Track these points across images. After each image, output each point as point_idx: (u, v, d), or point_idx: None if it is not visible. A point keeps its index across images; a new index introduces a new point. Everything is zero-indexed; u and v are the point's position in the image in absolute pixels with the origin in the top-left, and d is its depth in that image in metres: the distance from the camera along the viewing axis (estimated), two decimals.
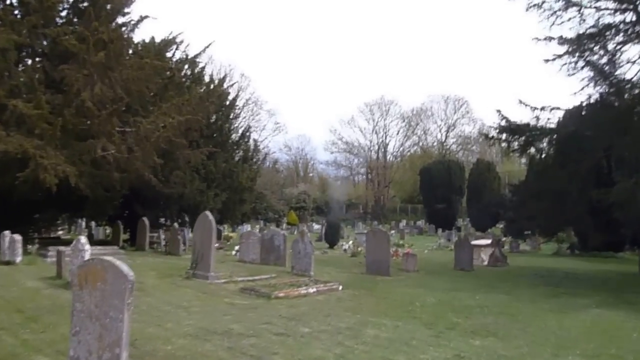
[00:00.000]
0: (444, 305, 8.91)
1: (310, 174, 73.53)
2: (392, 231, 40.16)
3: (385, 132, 63.17)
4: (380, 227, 12.88)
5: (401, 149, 64.54)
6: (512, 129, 13.35)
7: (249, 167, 26.26)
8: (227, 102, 26.08)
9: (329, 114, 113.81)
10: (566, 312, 8.75)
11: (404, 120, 63.22)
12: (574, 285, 12.55)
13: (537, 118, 13.53)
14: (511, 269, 16.06)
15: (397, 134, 63.64)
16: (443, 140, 63.91)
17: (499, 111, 14.17)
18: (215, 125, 25.16)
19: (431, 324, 7.05)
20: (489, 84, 69.15)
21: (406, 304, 8.83)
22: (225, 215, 26.08)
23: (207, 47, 22.96)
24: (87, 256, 8.27)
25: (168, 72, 18.35)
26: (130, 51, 17.36)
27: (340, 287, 10.40)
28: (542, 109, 13.50)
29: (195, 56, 22.22)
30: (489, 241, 18.98)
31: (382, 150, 63.63)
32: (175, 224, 19.01)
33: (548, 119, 13.59)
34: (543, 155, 13.66)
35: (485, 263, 17.74)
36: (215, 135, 25.15)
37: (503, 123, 13.98)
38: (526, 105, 13.64)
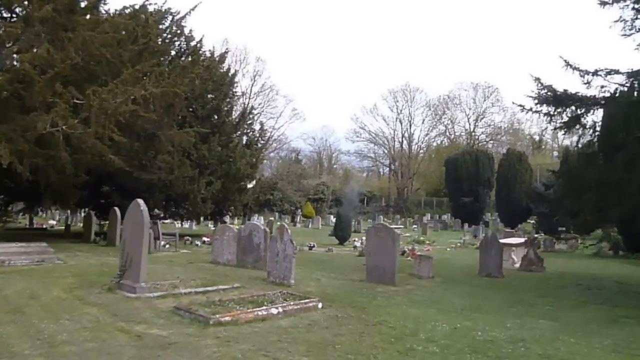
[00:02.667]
0: (460, 338, 6.19)
1: (335, 166, 71.02)
2: (414, 226, 37.23)
3: (410, 121, 59.87)
4: (385, 223, 10.09)
5: (426, 138, 61.11)
6: (556, 99, 10.34)
7: (252, 152, 23.68)
8: (227, 80, 23.55)
9: (354, 104, 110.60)
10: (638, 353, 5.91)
11: (430, 109, 59.73)
12: (636, 303, 9.58)
13: (589, 84, 10.49)
14: (549, 276, 13.10)
15: (423, 122, 60.23)
16: (471, 130, 60.18)
17: (537, 79, 11.18)
18: (211, 105, 22.73)
19: None
20: (521, 69, 64.58)
21: (405, 336, 6.15)
22: (222, 206, 23.66)
23: (193, 9, 20.37)
24: None
25: (146, 39, 15.84)
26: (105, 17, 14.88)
27: (320, 305, 7.75)
28: (596, 73, 10.45)
29: (181, 19, 19.74)
30: (521, 240, 15.98)
31: (407, 140, 60.35)
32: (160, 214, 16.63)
33: (602, 87, 10.53)
34: (596, 133, 10.56)
35: (517, 266, 14.81)
36: (212, 116, 22.73)
37: (544, 93, 10.97)
38: (574, 68, 10.61)
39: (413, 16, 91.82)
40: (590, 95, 10.19)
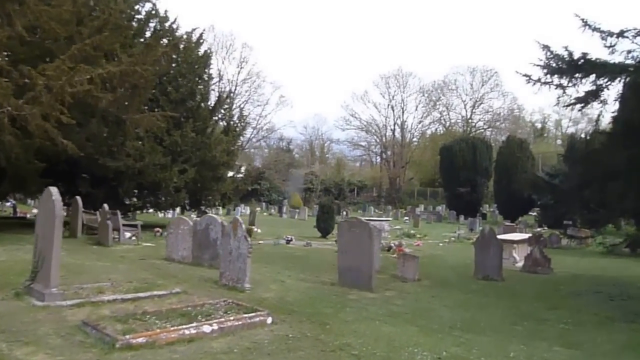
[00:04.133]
0: None
1: (327, 155, 69.08)
2: (406, 218, 35.37)
3: (403, 108, 57.61)
4: (357, 216, 8.16)
5: (420, 126, 58.88)
6: (572, 66, 8.37)
7: (229, 139, 21.70)
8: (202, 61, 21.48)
9: (346, 91, 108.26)
10: None
11: (423, 95, 57.49)
12: None
13: (612, 48, 8.52)
14: (558, 279, 11.23)
15: (416, 109, 57.94)
16: (468, 116, 58.01)
17: (546, 47, 9.18)
18: (186, 88, 20.73)
19: None
20: (523, 49, 61.58)
21: None
22: (199, 195, 21.74)
23: None
24: None
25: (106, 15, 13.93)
26: None
27: (270, 320, 5.90)
28: (622, 34, 8.46)
29: None
30: (524, 236, 14.12)
31: (399, 127, 58.19)
32: (106, 205, 14.65)
33: (629, 52, 8.56)
34: (614, 109, 8.61)
35: (519, 265, 12.97)
36: (187, 100, 20.74)
37: (554, 63, 9.01)
38: (594, 29, 8.62)
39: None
40: (618, 62, 8.20)
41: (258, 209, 42.80)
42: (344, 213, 34.42)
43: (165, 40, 18.94)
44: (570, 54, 8.53)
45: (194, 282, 8.08)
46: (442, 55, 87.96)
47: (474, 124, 57.41)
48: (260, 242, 16.08)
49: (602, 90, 8.34)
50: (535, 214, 36.56)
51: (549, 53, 9.23)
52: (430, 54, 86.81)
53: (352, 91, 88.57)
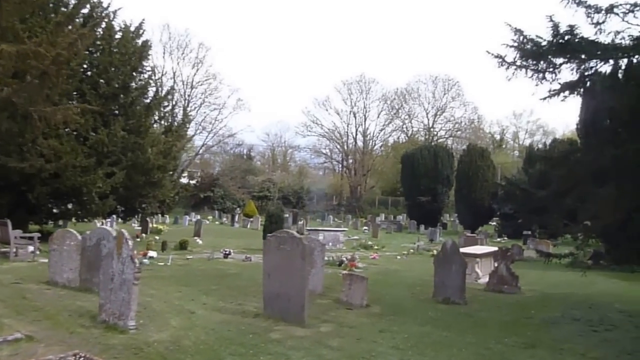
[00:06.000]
0: None
1: (290, 163, 67.13)
2: (365, 227, 33.82)
3: (365, 115, 56.40)
4: (292, 231, 6.29)
5: (382, 133, 57.76)
6: (553, 47, 6.84)
7: (166, 139, 19.51)
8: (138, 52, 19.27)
9: (307, 98, 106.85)
10: None
11: (385, 102, 56.51)
12: None
13: (599, 27, 7.07)
14: (527, 300, 9.74)
15: (378, 117, 56.88)
16: (430, 125, 57.40)
17: (519, 31, 7.65)
18: (118, 82, 18.50)
19: None
20: (484, 66, 62.53)
21: None
22: (130, 203, 19.42)
23: None
24: None
25: None
26: None
27: None
28: (611, 10, 7.00)
29: None
30: (488, 249, 12.65)
31: (361, 134, 56.89)
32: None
33: (617, 32, 7.11)
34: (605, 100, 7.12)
35: (482, 281, 11.46)
36: (119, 96, 18.50)
37: (530, 46, 7.48)
38: (579, 3, 7.14)
39: (368, 5, 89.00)
40: (607, 43, 6.72)
41: (210, 217, 40.38)
42: (300, 222, 32.53)
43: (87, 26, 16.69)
44: (556, 26, 7.00)
45: (60, 318, 6.00)
46: (405, 63, 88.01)
47: (435, 133, 56.86)
48: (188, 257, 14.01)
49: (589, 77, 6.83)
50: (495, 223, 35.81)
51: (521, 38, 7.72)
52: (393, 62, 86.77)
53: (314, 97, 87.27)
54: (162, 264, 12.36)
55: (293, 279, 6.65)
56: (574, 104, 68.69)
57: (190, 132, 49.13)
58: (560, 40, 6.54)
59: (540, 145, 41.39)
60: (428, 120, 57.34)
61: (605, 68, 6.67)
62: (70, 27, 14.01)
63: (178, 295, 8.10)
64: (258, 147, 62.43)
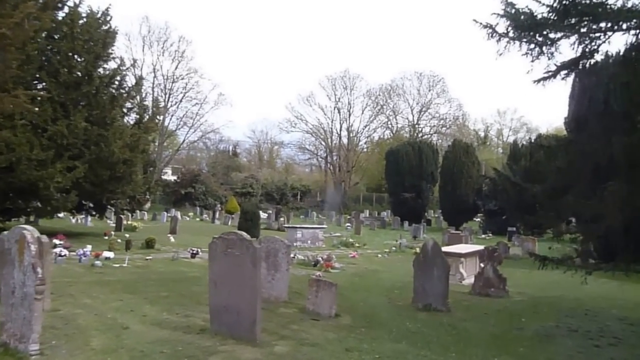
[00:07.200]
0: None
1: (276, 160, 65.93)
2: (348, 224, 32.84)
3: (349, 110, 55.32)
4: (241, 232, 5.34)
5: (366, 129, 56.73)
6: (553, 15, 5.84)
7: (133, 132, 18.25)
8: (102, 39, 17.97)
9: (291, 93, 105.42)
10: None
11: (370, 98, 55.49)
12: None
13: None
14: (516, 306, 8.81)
15: (362, 113, 55.84)
16: (415, 121, 56.57)
17: (510, 4, 6.65)
18: (81, 69, 17.23)
19: None
20: (470, 64, 61.94)
21: None
22: (96, 198, 18.16)
23: None
24: None
25: None
26: None
27: None
28: None
29: None
30: (473, 248, 11.72)
31: (346, 130, 55.82)
32: None
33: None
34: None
35: (467, 283, 10.55)
36: (81, 85, 17.19)
37: (524, 18, 6.47)
38: None
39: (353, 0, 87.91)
40: (620, 6, 5.71)
41: (191, 213, 39.05)
42: (282, 219, 31.45)
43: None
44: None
45: None
46: (390, 60, 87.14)
47: (420, 129, 56.05)
48: (149, 257, 12.84)
49: (596, 50, 5.84)
50: (479, 220, 35.13)
51: (512, 11, 6.71)
52: (378, 58, 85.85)
53: (297, 92, 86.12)
54: (117, 265, 11.22)
55: (243, 288, 5.58)
56: (560, 99, 68.55)
57: (171, 127, 47.98)
58: (564, 1, 5.50)
59: (524, 142, 40.87)
60: (413, 116, 56.58)
61: (616, 38, 5.67)
62: (17, 6, 12.74)
63: (116, 306, 6.97)
64: (244, 144, 61.26)
